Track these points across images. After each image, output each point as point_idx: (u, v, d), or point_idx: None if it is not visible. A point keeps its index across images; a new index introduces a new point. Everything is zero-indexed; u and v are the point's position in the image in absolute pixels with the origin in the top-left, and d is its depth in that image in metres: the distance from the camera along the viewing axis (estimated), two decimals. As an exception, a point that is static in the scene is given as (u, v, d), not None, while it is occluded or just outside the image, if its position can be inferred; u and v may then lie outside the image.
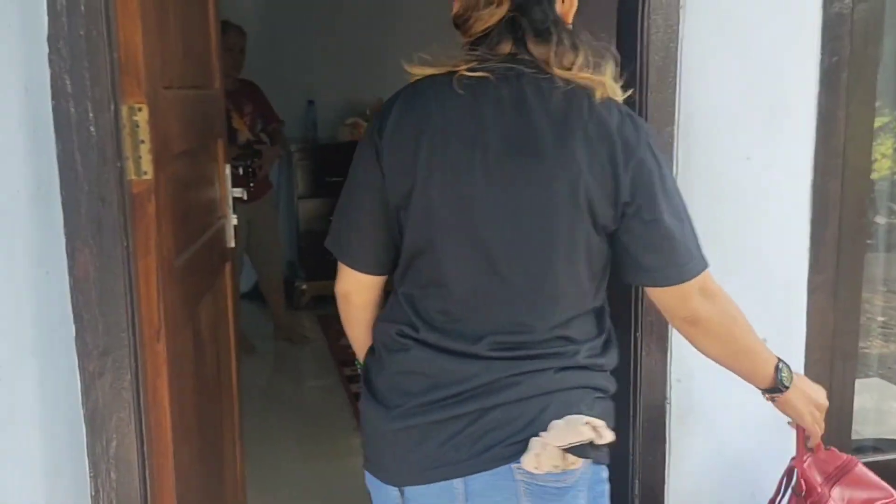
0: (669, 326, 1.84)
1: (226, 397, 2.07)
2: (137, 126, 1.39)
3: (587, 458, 1.23)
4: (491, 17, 1.27)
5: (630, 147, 1.23)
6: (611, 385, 1.34)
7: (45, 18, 1.34)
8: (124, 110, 1.38)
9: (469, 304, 1.28)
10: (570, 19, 1.31)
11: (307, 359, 4.46)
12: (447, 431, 1.26)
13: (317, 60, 5.30)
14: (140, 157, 1.40)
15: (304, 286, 5.03)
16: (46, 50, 1.35)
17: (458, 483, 1.25)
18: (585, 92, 1.24)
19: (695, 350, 1.39)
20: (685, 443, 2.00)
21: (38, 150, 1.40)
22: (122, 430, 1.44)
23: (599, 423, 1.23)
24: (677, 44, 1.82)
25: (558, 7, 1.29)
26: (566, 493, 1.24)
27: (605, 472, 1.33)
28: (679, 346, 1.89)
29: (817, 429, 1.52)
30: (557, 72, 1.24)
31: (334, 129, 5.21)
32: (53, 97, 1.36)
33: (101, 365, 1.42)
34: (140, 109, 1.38)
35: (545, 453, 1.20)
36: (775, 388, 1.43)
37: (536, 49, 1.27)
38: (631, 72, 1.62)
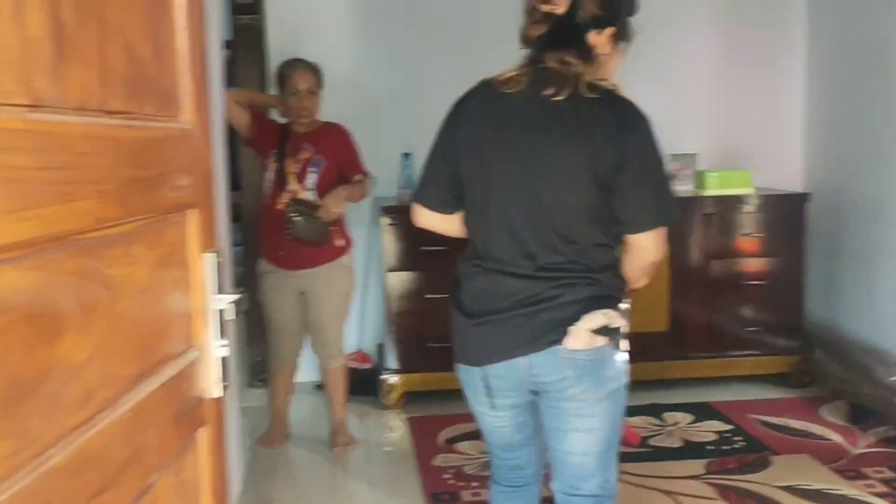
0: None
1: None
2: None
3: (606, 337, 1.84)
4: (533, 33, 1.92)
5: (623, 133, 1.82)
6: (618, 293, 1.92)
7: None
8: None
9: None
10: (602, 50, 1.92)
11: (385, 473, 3.50)
12: (511, 326, 1.88)
13: (415, 107, 4.47)
14: None
15: (394, 379, 4.10)
16: None
17: (523, 360, 1.88)
18: (599, 90, 1.84)
19: None
20: None
21: None
22: None
23: (612, 313, 1.86)
24: None
25: (591, 38, 1.90)
26: (594, 365, 1.86)
27: (624, 358, 1.92)
28: None
29: None
30: (582, 78, 1.85)
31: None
32: None
33: None
34: None
35: (579, 335, 1.83)
36: None
37: (564, 59, 1.86)
38: None
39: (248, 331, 4.48)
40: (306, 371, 4.50)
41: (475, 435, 3.71)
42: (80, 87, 0.87)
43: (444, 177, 1.98)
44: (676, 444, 3.61)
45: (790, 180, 4.72)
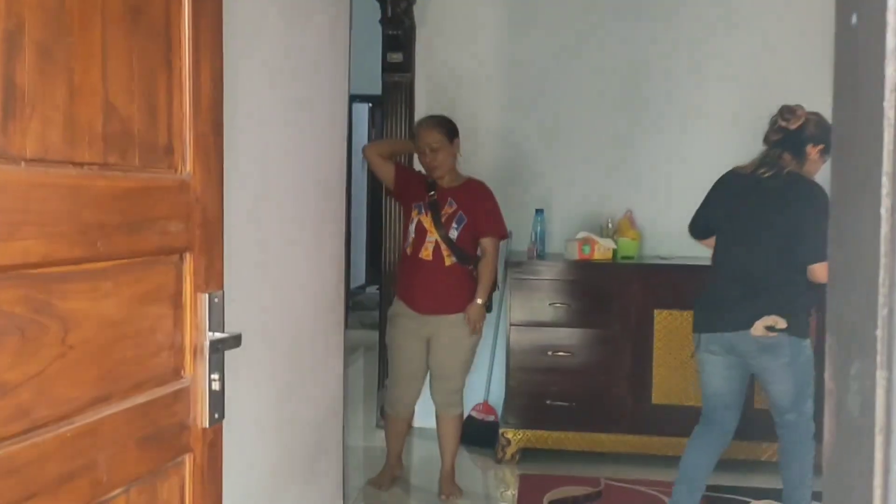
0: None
1: None
2: None
3: (774, 332, 2.92)
4: (771, 137, 3.07)
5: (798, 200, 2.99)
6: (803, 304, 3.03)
7: None
8: None
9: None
10: (811, 157, 3.05)
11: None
12: (727, 314, 3.01)
13: (550, 162, 4.50)
14: None
15: (511, 434, 4.08)
16: None
17: (728, 335, 3.01)
18: (802, 181, 3.02)
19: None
20: None
21: None
22: None
23: (776, 319, 2.92)
24: None
25: (809, 150, 3.05)
26: (773, 348, 2.96)
27: (805, 343, 2.99)
28: None
29: None
30: (788, 168, 3.03)
31: (563, 244, 4.32)
32: None
33: None
34: None
35: (759, 326, 2.92)
36: None
37: (783, 156, 3.04)
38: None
39: (380, 374, 4.63)
40: (429, 416, 4.58)
41: (581, 500, 3.61)
42: (38, 140, 1.00)
43: (701, 220, 3.31)
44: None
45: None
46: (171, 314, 1.29)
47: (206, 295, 1.34)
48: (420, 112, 4.58)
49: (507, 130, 4.51)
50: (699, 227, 3.31)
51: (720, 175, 4.21)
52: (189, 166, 1.30)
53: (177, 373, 1.31)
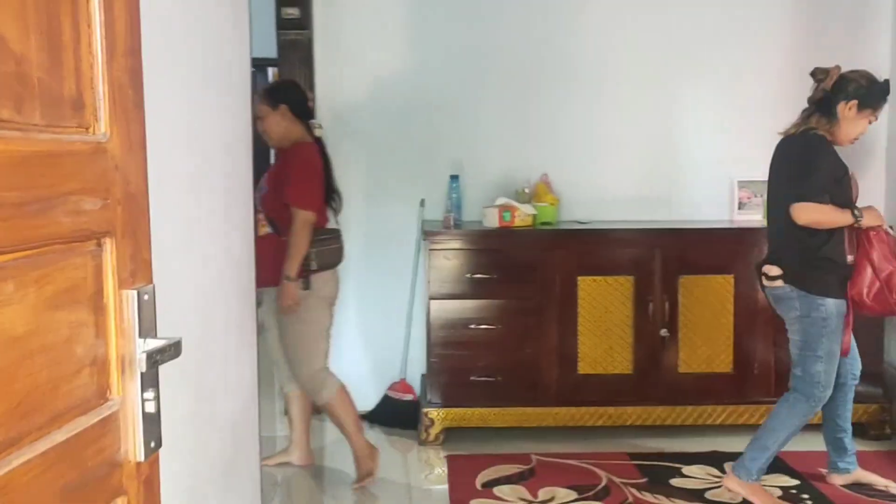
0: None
1: None
2: None
3: (776, 282, 3.11)
4: (812, 98, 3.15)
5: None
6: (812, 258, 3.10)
7: None
8: None
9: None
10: (845, 114, 3.08)
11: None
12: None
13: (463, 126, 4.27)
14: None
15: (434, 414, 3.87)
16: None
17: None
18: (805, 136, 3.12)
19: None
20: None
21: None
22: None
23: (770, 267, 3.14)
24: None
25: (840, 108, 3.08)
26: (781, 300, 3.12)
27: (820, 302, 3.03)
28: None
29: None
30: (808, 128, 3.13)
31: (481, 211, 4.12)
32: None
33: None
34: None
35: (764, 278, 3.18)
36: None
37: (813, 119, 3.12)
38: None
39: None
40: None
41: (514, 479, 3.45)
42: None
43: None
44: (737, 499, 3.27)
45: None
46: (90, 320, 0.98)
47: (134, 292, 1.04)
48: (321, 75, 4.25)
49: (416, 92, 4.24)
50: None
51: (634, 134, 4.23)
52: (104, 125, 0.99)
53: (102, 395, 1.01)
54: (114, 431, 1.02)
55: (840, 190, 3.07)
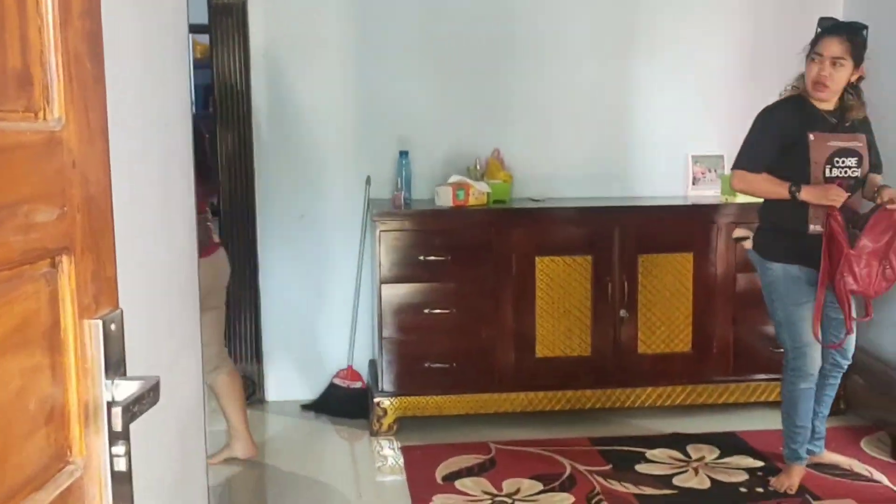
0: None
1: None
2: None
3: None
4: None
5: None
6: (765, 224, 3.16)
7: None
8: None
9: None
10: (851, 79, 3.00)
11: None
12: None
13: (412, 99, 4.05)
14: None
15: (387, 403, 3.68)
16: None
17: None
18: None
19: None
20: None
21: None
22: None
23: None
24: None
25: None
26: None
27: (768, 266, 3.05)
28: None
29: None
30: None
31: (431, 189, 3.92)
32: None
33: None
34: None
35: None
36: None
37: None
38: None
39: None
40: (296, 387, 4.09)
41: (475, 470, 3.30)
42: None
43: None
44: (704, 484, 3.20)
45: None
46: (45, 362, 0.76)
47: (98, 322, 0.82)
48: (256, 42, 3.96)
49: (362, 64, 3.99)
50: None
51: (587, 110, 4.02)
52: (59, 109, 0.76)
53: (61, 458, 0.78)
54: (78, 501, 0.80)
55: (789, 159, 2.98)
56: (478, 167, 3.95)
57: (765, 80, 3.70)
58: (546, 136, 4.14)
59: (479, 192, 3.74)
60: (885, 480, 3.23)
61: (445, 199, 3.72)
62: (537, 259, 3.69)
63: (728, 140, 3.92)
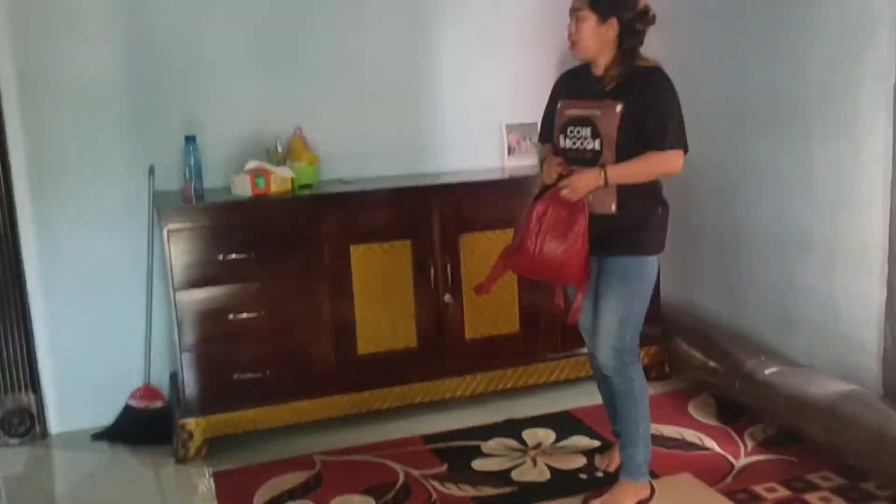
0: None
1: None
2: None
3: None
4: None
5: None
6: None
7: None
8: None
9: None
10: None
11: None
12: None
13: (197, 76, 3.57)
14: None
15: (193, 425, 3.24)
16: None
17: None
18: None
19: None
20: None
21: None
22: None
23: None
24: None
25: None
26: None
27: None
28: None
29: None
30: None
31: (227, 178, 3.48)
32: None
33: None
34: None
35: None
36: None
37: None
38: None
39: None
40: (84, 415, 3.54)
41: (299, 492, 2.97)
42: None
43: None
44: (544, 476, 3.04)
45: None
46: None
47: None
48: (15, 15, 3.31)
49: (138, 35, 3.45)
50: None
51: (393, 80, 3.76)
52: None
53: None
54: None
55: (549, 128, 2.82)
56: (279, 149, 3.54)
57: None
58: (352, 111, 3.79)
59: (281, 178, 3.34)
60: (715, 447, 3.21)
61: (243, 188, 3.29)
62: (352, 248, 3.36)
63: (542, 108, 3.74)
